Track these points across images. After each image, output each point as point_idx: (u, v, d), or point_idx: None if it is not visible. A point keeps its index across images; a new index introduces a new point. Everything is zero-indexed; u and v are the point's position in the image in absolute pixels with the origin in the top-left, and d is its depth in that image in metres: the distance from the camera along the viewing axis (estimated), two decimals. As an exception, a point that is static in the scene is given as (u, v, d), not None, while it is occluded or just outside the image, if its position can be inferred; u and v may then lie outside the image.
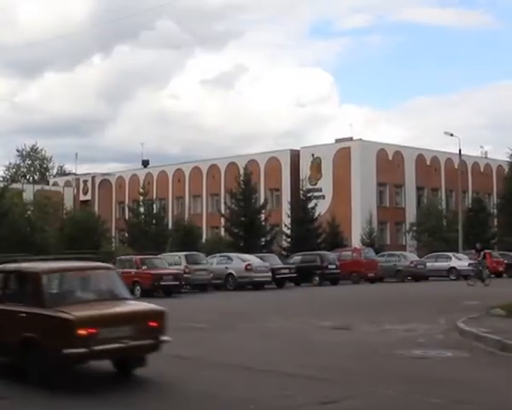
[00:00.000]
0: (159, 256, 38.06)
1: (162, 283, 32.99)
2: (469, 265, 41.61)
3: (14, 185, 74.26)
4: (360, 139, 69.36)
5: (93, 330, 9.83)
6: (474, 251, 41.08)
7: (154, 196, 71.10)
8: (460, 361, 12.07)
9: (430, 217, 65.00)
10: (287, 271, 40.16)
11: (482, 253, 38.95)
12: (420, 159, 72.19)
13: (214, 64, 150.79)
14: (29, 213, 49.19)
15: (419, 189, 72.38)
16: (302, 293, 35.79)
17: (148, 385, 10.28)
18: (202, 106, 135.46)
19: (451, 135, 57.69)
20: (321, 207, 60.27)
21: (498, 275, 47.53)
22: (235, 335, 16.64)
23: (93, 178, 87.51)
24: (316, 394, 9.23)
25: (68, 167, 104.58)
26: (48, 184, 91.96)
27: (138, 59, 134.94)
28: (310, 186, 62.27)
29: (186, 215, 71.07)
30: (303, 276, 40.87)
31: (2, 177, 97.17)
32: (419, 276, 45.13)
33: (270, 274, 38.31)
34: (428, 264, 46.30)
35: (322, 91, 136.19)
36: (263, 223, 54.37)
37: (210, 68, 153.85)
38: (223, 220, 58.22)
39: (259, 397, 9.19)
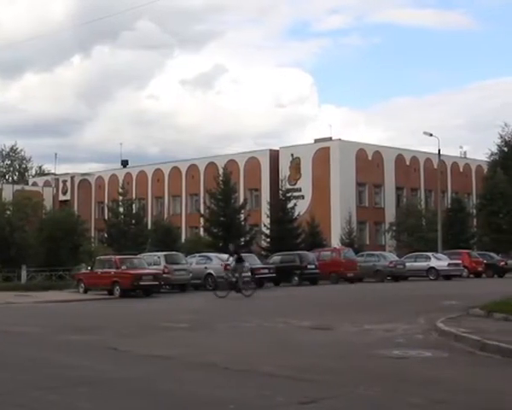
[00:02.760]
0: (138, 256, 38.03)
1: (141, 283, 32.98)
2: (229, 270, 32.64)
3: (-7, 185, 74.09)
4: (339, 139, 69.50)
5: None
6: (227, 255, 34.78)
7: (134, 196, 70.98)
8: (439, 361, 12.06)
9: (409, 217, 65.26)
10: (266, 271, 40.16)
11: (235, 256, 31.80)
12: (399, 159, 72.45)
13: (194, 64, 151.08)
14: (8, 212, 48.86)
15: (398, 189, 72.63)
16: (281, 293, 35.74)
17: (129, 385, 10.20)
18: (181, 106, 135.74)
19: (431, 135, 57.96)
20: (300, 207, 60.32)
21: (477, 275, 47.93)
22: (214, 335, 16.58)
23: (72, 178, 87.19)
24: (295, 394, 9.17)
25: (48, 167, 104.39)
26: (27, 184, 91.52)
27: (118, 59, 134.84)
28: (289, 186, 62.23)
29: (165, 215, 71.09)
30: (282, 276, 40.94)
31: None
32: (398, 276, 45.31)
33: (249, 274, 38.28)
34: (408, 264, 46.44)
35: (301, 92, 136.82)
36: (242, 223, 54.32)
37: (189, 69, 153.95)
38: (202, 220, 58.13)
39: (238, 397, 9.12)
